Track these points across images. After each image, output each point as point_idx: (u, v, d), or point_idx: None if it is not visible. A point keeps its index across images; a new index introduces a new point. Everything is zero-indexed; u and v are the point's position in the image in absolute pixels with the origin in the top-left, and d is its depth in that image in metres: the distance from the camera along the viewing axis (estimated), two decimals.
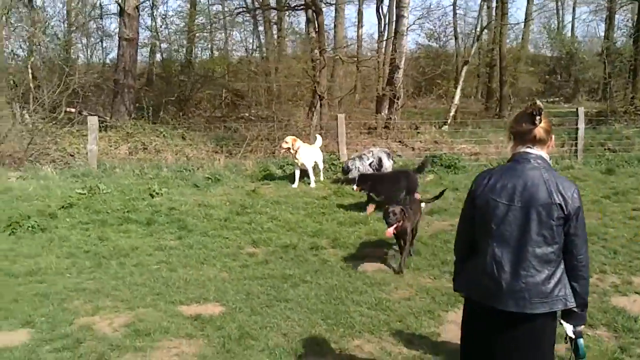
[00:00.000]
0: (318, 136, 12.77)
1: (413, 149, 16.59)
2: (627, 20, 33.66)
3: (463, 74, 20.93)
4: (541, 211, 3.18)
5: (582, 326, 3.39)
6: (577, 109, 14.59)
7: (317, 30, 18.23)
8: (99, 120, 18.98)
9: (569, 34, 37.84)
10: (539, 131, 3.33)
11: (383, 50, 18.73)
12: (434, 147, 16.42)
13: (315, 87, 17.82)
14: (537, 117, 3.32)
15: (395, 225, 7.01)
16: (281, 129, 17.47)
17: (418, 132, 17.79)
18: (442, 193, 8.59)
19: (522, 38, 33.80)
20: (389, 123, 17.78)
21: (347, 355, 5.18)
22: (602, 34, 36.21)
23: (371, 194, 10.04)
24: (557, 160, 13.55)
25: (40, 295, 6.57)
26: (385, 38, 19.63)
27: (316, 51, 18.19)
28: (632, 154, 13.83)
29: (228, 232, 8.98)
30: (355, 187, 9.94)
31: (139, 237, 8.85)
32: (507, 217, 3.25)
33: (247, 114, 22.22)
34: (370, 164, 11.99)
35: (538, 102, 3.36)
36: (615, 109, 20.80)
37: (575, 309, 3.29)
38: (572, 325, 3.36)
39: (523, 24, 29.94)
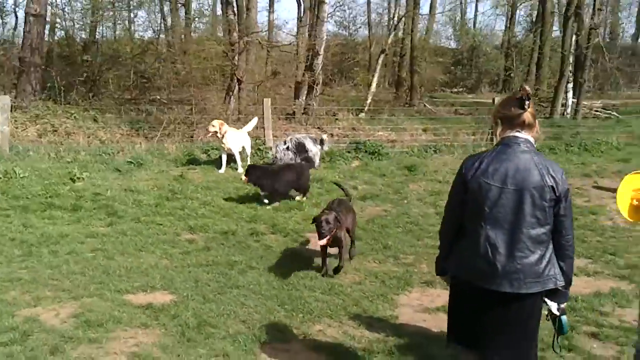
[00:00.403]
0: (253, 120, 12.60)
1: (332, 135, 16.70)
2: (527, 16, 35.48)
3: (380, 62, 21.27)
4: (534, 193, 3.31)
5: (565, 303, 3.57)
6: (493, 99, 15.16)
7: (235, 12, 17.96)
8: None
9: (472, 27, 39.41)
10: (528, 116, 3.46)
11: (304, 36, 18.63)
12: (352, 134, 16.64)
13: (234, 71, 17.56)
14: (527, 102, 3.44)
15: (329, 236, 6.39)
16: (198, 112, 17.14)
17: (336, 119, 17.96)
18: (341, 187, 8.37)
19: (427, 29, 34.76)
20: (307, 109, 17.82)
21: (311, 340, 5.19)
22: (503, 28, 38.05)
23: (257, 186, 9.60)
24: (474, 147, 14.04)
25: None
26: (305, 24, 19.52)
27: (235, 34, 17.93)
28: (544, 141, 14.54)
29: (161, 218, 8.74)
30: (243, 177, 9.49)
31: (65, 224, 8.44)
32: (500, 199, 3.36)
33: (158, 97, 21.60)
34: (287, 149, 11.95)
35: (527, 87, 3.49)
36: None
37: (560, 288, 3.45)
38: (556, 303, 3.54)
39: (428, 15, 30.70)
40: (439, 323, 5.53)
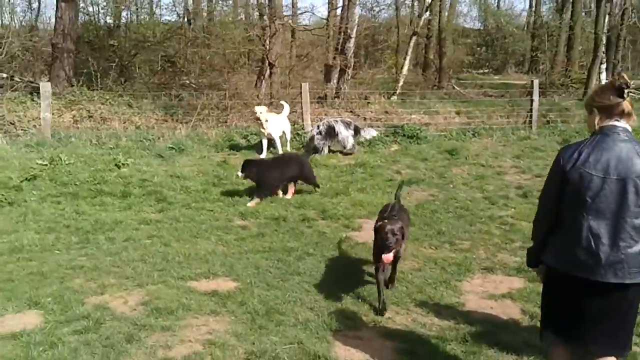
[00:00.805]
0: (285, 105, 12.55)
1: (365, 119, 16.62)
2: None
3: (412, 44, 21.05)
4: (638, 182, 3.27)
5: None
6: (532, 82, 15.01)
7: None
8: (35, 87, 18.12)
9: (496, 8, 38.87)
10: (626, 104, 3.41)
11: (338, 19, 18.49)
12: (385, 118, 16.54)
13: (265, 54, 17.51)
14: (626, 91, 3.38)
15: (395, 249, 5.38)
16: (231, 98, 17.13)
17: (368, 102, 17.84)
18: (400, 186, 7.37)
19: (452, 10, 34.33)
20: (339, 93, 17.73)
21: (382, 327, 5.19)
22: (527, 8, 37.50)
23: (255, 182, 9.08)
24: (513, 130, 13.94)
25: (36, 274, 6.22)
26: (336, 6, 19.39)
27: (265, 17, 17.85)
28: (581, 125, 14.36)
29: (211, 204, 8.79)
30: (239, 173, 9.02)
31: (117, 211, 8.52)
32: (602, 190, 3.32)
33: (188, 82, 21.62)
34: (319, 133, 12.00)
35: (625, 75, 3.42)
36: (553, 81, 21.55)
37: None
38: None
39: None
40: (506, 310, 5.54)
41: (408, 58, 20.61)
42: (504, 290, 5.92)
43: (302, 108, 13.53)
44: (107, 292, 5.82)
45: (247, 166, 8.99)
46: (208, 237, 7.46)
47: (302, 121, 13.51)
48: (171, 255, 6.81)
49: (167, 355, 4.66)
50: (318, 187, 9.44)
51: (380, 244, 5.35)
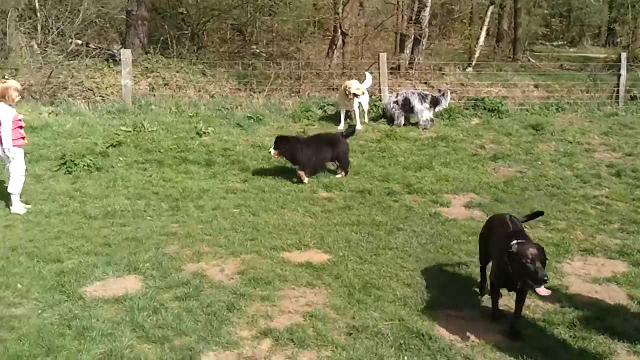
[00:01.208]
0: (368, 76, 12.33)
1: (439, 90, 16.28)
2: None
3: (489, 14, 20.44)
4: None
5: None
6: (620, 55, 14.36)
7: None
8: (110, 55, 18.46)
9: None
10: None
11: None
12: (461, 90, 16.15)
13: (338, 23, 17.29)
14: None
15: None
16: (303, 67, 17.03)
17: (443, 74, 17.46)
18: (537, 214, 5.75)
19: None
20: (413, 63, 17.39)
21: (485, 308, 5.06)
22: None
23: (290, 160, 8.63)
24: (599, 106, 13.41)
25: (132, 240, 6.34)
26: None
27: None
28: None
29: (293, 175, 8.75)
30: (272, 150, 8.59)
31: (202, 179, 8.60)
32: None
33: (258, 50, 21.62)
34: (396, 102, 11.79)
35: None
36: (637, 55, 20.61)
37: None
38: None
39: None
40: (612, 295, 5.33)
41: (485, 28, 20.02)
42: (607, 274, 5.69)
43: (379, 79, 13.32)
44: (202, 260, 5.87)
45: (280, 143, 8.58)
46: (295, 209, 7.44)
47: (380, 92, 13.31)
48: (261, 225, 6.82)
49: (268, 325, 4.67)
50: (347, 173, 8.74)
51: (527, 273, 4.33)
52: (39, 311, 4.84)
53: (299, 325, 4.66)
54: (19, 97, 7.36)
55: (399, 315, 4.84)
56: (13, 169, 7.25)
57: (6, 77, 6.89)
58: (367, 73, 12.46)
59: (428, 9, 17.24)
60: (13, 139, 7.12)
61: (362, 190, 8.12)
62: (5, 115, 7.07)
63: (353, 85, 11.22)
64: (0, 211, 7.22)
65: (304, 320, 4.75)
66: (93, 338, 4.40)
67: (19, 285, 5.27)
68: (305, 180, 8.42)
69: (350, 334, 4.57)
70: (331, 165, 9.01)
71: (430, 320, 4.80)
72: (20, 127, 7.30)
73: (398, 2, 18.36)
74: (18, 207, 7.23)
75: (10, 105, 7.16)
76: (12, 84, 7.26)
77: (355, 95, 11.17)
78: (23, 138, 7.37)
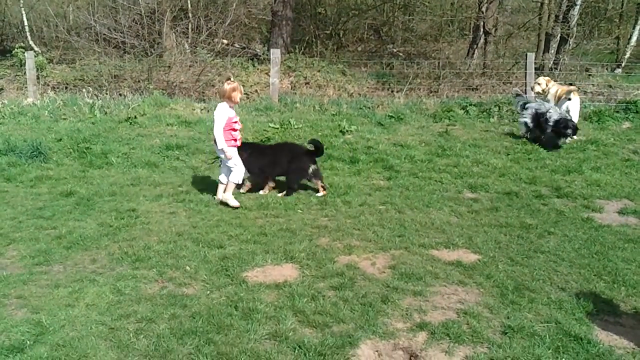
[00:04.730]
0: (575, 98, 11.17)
1: (585, 92, 15.64)
2: None
3: None
4: None
5: None
6: None
7: None
8: (255, 54, 19.28)
9: None
10: None
11: None
12: (608, 92, 15.41)
13: (481, 22, 17.06)
14: None
15: None
16: (443, 67, 16.97)
17: (589, 75, 16.74)
18: None
19: None
20: (557, 64, 16.81)
21: None
22: None
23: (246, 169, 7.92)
24: None
25: (286, 230, 6.68)
26: None
27: None
28: None
29: (437, 174, 8.82)
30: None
31: (347, 175, 8.86)
32: None
33: (395, 50, 21.74)
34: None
35: None
36: None
37: None
38: None
39: None
40: None
41: (638, 28, 18.94)
42: None
43: (525, 79, 13.02)
44: (354, 253, 6.09)
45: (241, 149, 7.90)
46: (440, 208, 7.50)
47: (526, 93, 13.00)
48: (407, 223, 6.95)
49: (422, 319, 4.78)
50: (289, 194, 8.02)
51: None
52: (208, 292, 5.24)
53: (453, 321, 4.73)
54: (240, 98, 7.50)
55: (554, 318, 4.79)
56: (232, 165, 7.51)
57: (231, 78, 7.35)
58: (573, 96, 11.07)
59: (578, 7, 16.62)
60: (225, 140, 7.35)
61: (508, 192, 8.04)
62: (220, 116, 7.28)
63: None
64: (164, 199, 7.82)
65: (457, 317, 4.82)
66: (258, 319, 4.71)
67: (187, 268, 5.72)
68: (263, 191, 8.14)
69: (506, 333, 4.58)
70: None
71: (587, 324, 4.71)
72: (234, 129, 7.46)
73: (544, 0, 17.81)
74: (230, 195, 7.52)
75: (230, 106, 7.37)
76: (238, 86, 7.36)
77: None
78: (235, 140, 7.47)
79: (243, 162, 7.72)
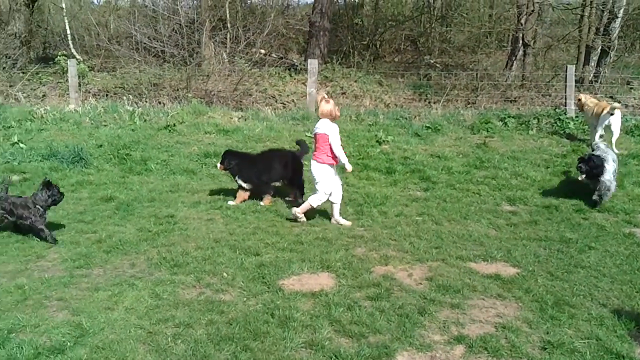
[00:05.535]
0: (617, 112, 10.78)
1: (626, 106, 15.35)
2: None
3: None
4: None
5: None
6: None
7: None
8: (292, 64, 19.40)
9: None
10: None
11: None
12: None
13: (520, 34, 16.89)
14: None
15: None
16: (481, 78, 16.84)
17: (631, 89, 16.43)
18: None
19: None
20: (597, 76, 16.54)
21: None
22: None
23: (237, 179, 8.04)
24: None
25: (322, 239, 6.70)
26: None
27: None
28: None
29: (475, 186, 8.75)
30: (219, 165, 8.09)
31: (383, 186, 8.85)
32: None
33: (432, 61, 21.66)
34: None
35: None
36: None
37: None
38: None
39: None
40: None
41: None
42: None
43: (565, 92, 12.85)
44: (390, 263, 6.06)
45: (228, 157, 8.04)
46: (478, 220, 7.44)
47: (565, 106, 12.84)
48: (444, 234, 6.90)
49: (460, 332, 4.73)
50: (302, 195, 8.11)
51: None
52: (244, 299, 5.27)
53: (491, 335, 4.67)
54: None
55: (595, 335, 4.69)
56: (320, 187, 7.22)
57: (325, 95, 7.35)
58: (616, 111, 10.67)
59: (619, 19, 16.33)
60: (327, 155, 7.14)
61: (548, 205, 7.93)
62: (333, 131, 7.07)
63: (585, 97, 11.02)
64: (202, 206, 7.90)
65: (495, 331, 4.76)
66: (295, 327, 4.72)
67: (224, 274, 5.76)
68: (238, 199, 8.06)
69: (545, 348, 4.50)
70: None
71: (629, 342, 4.61)
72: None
73: (584, 12, 17.56)
74: (301, 212, 7.26)
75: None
76: (334, 103, 7.19)
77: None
78: (334, 158, 7.23)
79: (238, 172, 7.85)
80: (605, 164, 7.86)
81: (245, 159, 8.18)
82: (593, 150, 8.48)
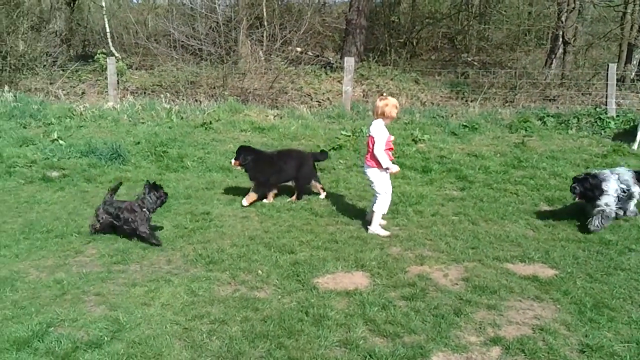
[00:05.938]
0: None
1: None
2: None
3: None
4: None
5: None
6: None
7: None
8: (328, 62, 19.40)
9: None
10: None
11: None
12: None
13: (560, 31, 16.60)
14: None
15: None
16: (520, 77, 16.59)
17: None
18: None
19: None
20: (639, 75, 16.15)
21: None
22: None
23: (250, 176, 8.01)
24: None
25: (357, 238, 6.69)
26: None
27: None
28: None
29: (512, 186, 8.63)
30: (233, 161, 8.03)
31: (419, 185, 8.79)
32: None
33: (470, 59, 21.43)
34: None
35: None
36: None
37: None
38: None
39: None
40: None
41: None
42: None
43: (606, 91, 12.59)
44: (425, 263, 6.02)
45: (242, 153, 7.96)
46: (516, 220, 7.34)
47: (606, 105, 12.58)
48: (481, 235, 6.82)
49: (497, 333, 4.67)
50: (299, 198, 8.14)
51: None
52: (279, 296, 5.28)
53: (528, 337, 4.60)
54: (396, 113, 6.94)
55: (635, 338, 4.58)
56: (379, 191, 6.93)
57: (384, 93, 7.26)
58: None
59: None
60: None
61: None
62: (381, 134, 6.70)
63: None
64: (237, 204, 7.96)
65: (532, 333, 4.68)
66: (329, 326, 4.71)
67: (259, 272, 5.79)
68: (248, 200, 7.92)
69: (584, 351, 4.42)
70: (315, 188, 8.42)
71: None
72: (391, 148, 6.91)
73: (626, 9, 17.18)
74: (376, 227, 6.94)
75: (386, 124, 6.81)
76: (393, 101, 6.81)
77: None
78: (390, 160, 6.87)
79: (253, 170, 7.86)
80: (604, 186, 7.00)
81: (260, 155, 8.14)
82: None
